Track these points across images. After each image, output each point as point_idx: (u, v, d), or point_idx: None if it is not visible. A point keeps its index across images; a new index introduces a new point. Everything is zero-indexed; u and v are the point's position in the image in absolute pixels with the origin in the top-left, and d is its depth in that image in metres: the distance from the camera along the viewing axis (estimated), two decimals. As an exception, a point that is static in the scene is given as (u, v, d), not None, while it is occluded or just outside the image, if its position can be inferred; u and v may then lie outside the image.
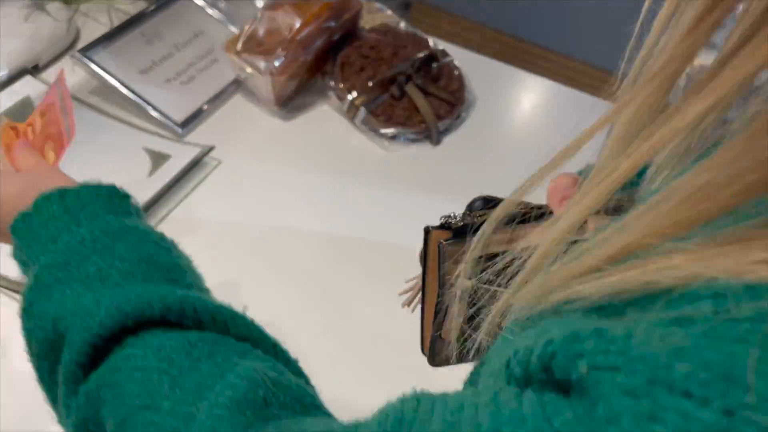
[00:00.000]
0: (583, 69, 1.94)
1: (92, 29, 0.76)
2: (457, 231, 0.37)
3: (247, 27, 0.69)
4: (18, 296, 0.52)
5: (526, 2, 1.93)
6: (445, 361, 0.40)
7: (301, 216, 0.63)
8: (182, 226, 0.61)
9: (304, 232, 0.62)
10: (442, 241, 0.37)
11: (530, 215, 0.36)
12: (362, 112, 0.70)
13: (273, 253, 0.60)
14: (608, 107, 0.29)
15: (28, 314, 0.34)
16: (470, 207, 0.38)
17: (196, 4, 0.77)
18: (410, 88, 0.72)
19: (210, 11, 0.77)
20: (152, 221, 0.60)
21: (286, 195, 0.65)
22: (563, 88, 0.80)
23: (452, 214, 0.36)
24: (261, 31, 0.69)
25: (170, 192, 0.62)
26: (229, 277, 0.57)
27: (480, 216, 0.36)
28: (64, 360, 0.33)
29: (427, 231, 0.36)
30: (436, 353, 0.40)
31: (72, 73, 0.71)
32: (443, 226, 0.37)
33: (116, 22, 0.73)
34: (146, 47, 0.71)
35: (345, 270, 0.59)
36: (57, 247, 0.35)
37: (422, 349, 0.40)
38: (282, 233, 0.61)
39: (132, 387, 0.32)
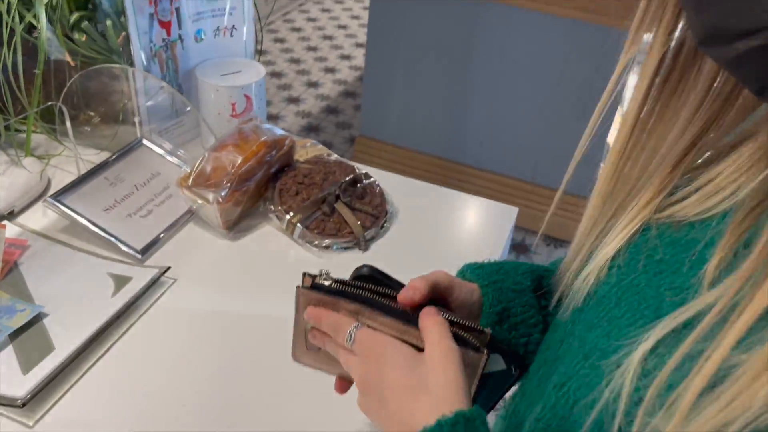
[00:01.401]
0: (506, 181, 2.13)
1: (62, 177, 0.88)
2: (315, 285, 0.48)
3: (195, 165, 0.82)
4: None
5: (451, 129, 2.15)
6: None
7: (252, 323, 0.72)
8: (143, 338, 0.69)
9: (255, 336, 0.71)
10: (298, 285, 0.48)
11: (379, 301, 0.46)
12: (299, 228, 0.82)
13: (227, 359, 0.68)
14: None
15: None
16: (357, 271, 0.49)
17: (152, 150, 0.90)
18: (339, 205, 0.85)
19: (162, 153, 0.90)
20: (115, 335, 0.68)
21: (237, 305, 0.74)
22: (470, 197, 0.94)
23: (324, 273, 0.47)
24: (208, 168, 0.81)
25: (132, 308, 0.71)
26: (185, 382, 0.65)
27: (348, 286, 0.47)
28: None
29: (303, 278, 0.48)
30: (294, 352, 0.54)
31: (44, 215, 0.82)
32: (313, 284, 0.48)
33: (83, 170, 0.85)
34: (109, 189, 0.83)
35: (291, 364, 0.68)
36: None
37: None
38: (234, 340, 0.70)
39: None
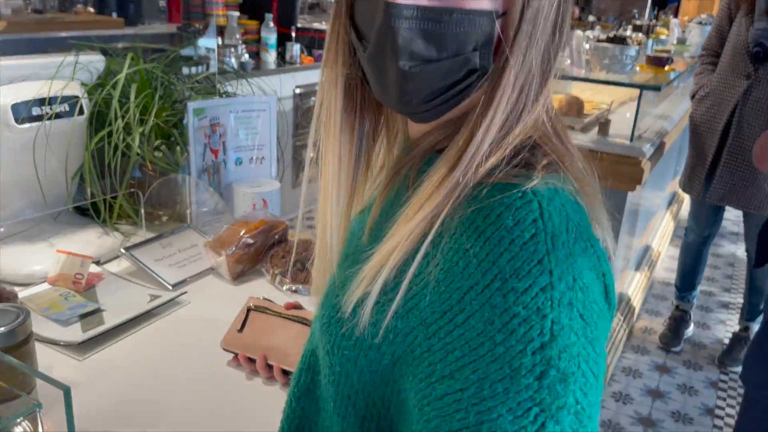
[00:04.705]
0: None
1: (134, 242, 1.32)
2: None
3: (216, 234, 1.23)
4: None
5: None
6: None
7: (231, 326, 1.07)
8: (163, 328, 1.06)
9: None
10: (251, 304, 0.93)
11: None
12: (279, 277, 1.20)
13: (210, 354, 1.03)
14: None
15: None
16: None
17: (194, 233, 1.33)
18: (309, 265, 1.22)
19: (200, 235, 1.33)
20: (145, 324, 1.06)
21: (230, 322, 1.10)
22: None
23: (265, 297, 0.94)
24: (224, 235, 1.22)
25: (158, 310, 1.09)
26: (180, 359, 1.01)
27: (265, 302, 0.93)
28: None
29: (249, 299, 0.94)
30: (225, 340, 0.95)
31: (118, 266, 1.25)
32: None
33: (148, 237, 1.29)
34: (161, 249, 1.26)
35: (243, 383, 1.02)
36: None
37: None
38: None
39: None
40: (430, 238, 0.50)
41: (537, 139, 0.53)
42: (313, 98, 3.69)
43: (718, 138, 2.33)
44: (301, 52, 3.68)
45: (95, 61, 1.27)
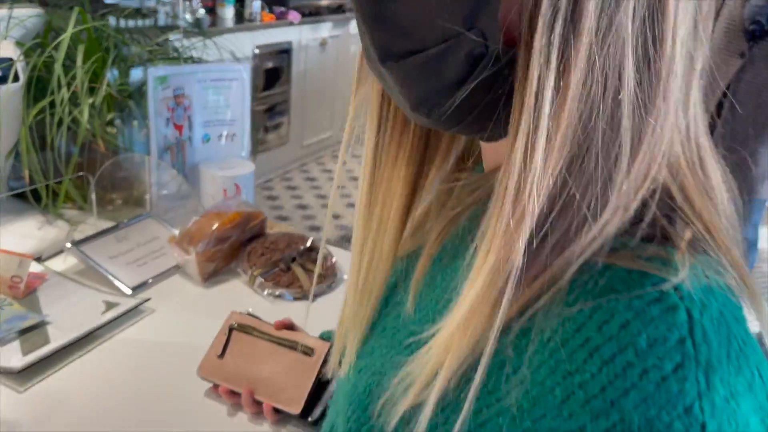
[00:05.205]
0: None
1: (84, 233, 1.12)
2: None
3: (183, 227, 1.05)
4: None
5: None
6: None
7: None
8: (121, 346, 0.88)
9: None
10: (234, 322, 0.82)
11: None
12: (258, 279, 1.03)
13: (176, 375, 0.86)
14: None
15: None
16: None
17: (156, 222, 1.14)
18: (294, 265, 1.05)
19: (163, 225, 1.14)
20: (99, 340, 0.88)
21: (197, 338, 0.92)
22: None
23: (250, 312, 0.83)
24: (193, 230, 1.04)
25: (116, 323, 0.91)
26: (143, 380, 0.84)
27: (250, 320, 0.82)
28: None
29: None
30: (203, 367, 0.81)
31: (64, 262, 1.05)
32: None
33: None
34: (117, 244, 1.07)
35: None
36: None
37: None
38: (186, 365, 0.88)
39: None
40: (511, 336, 0.34)
41: (668, 181, 0.34)
42: (270, 62, 3.45)
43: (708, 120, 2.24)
44: (262, 8, 3.42)
45: (33, 16, 1.05)
